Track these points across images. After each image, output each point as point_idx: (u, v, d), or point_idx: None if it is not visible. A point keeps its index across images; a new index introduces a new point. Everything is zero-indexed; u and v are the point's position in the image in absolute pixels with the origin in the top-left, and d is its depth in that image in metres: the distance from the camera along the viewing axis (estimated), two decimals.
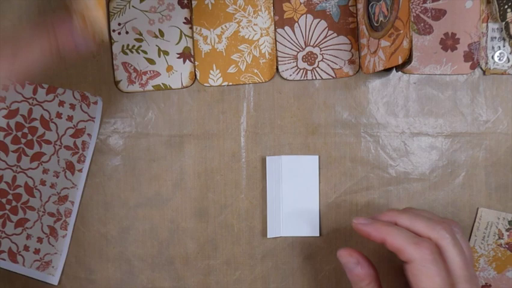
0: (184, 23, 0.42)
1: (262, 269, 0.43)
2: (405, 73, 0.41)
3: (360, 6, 0.40)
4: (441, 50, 0.41)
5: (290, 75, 0.42)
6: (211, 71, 0.42)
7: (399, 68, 0.38)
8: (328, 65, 0.42)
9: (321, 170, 0.42)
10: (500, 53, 0.41)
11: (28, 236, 0.42)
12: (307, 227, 0.41)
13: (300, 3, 0.41)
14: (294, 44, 0.42)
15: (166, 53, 0.42)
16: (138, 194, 0.43)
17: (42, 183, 0.42)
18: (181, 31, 0.42)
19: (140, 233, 0.43)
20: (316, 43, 0.42)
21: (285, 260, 0.42)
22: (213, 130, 0.42)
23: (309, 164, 0.41)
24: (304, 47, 0.42)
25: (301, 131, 0.42)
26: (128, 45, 0.42)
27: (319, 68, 0.42)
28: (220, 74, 0.42)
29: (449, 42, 0.40)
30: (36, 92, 0.42)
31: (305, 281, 0.42)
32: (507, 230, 0.41)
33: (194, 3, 0.41)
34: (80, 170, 0.42)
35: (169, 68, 0.42)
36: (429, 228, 0.33)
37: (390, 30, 0.34)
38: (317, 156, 0.41)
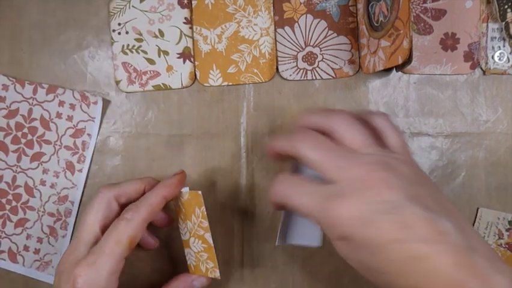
0: (184, 23, 0.42)
1: (262, 269, 0.43)
2: (405, 73, 0.41)
3: (360, 6, 0.40)
4: (441, 50, 0.41)
5: (290, 75, 0.42)
6: (211, 71, 0.42)
7: (399, 68, 0.38)
8: (328, 65, 0.42)
9: None
10: (500, 53, 0.41)
11: (28, 236, 0.42)
12: (311, 236, 0.37)
13: (300, 3, 0.41)
14: (294, 44, 0.42)
15: (166, 53, 0.42)
16: None
17: (42, 183, 0.42)
18: (181, 31, 0.42)
19: None
20: (316, 43, 0.42)
21: (285, 260, 0.42)
22: (212, 130, 0.42)
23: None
24: (304, 47, 0.42)
25: None
26: (128, 45, 0.42)
27: (319, 68, 0.42)
28: (220, 74, 0.42)
29: (449, 42, 0.40)
30: (36, 92, 0.42)
31: (305, 282, 0.42)
32: (507, 230, 0.41)
33: (194, 3, 0.41)
34: (80, 170, 0.42)
35: (169, 68, 0.42)
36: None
37: (390, 30, 0.34)
38: None
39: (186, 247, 0.38)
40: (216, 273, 0.36)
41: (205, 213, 0.35)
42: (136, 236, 0.33)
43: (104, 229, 0.34)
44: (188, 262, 0.39)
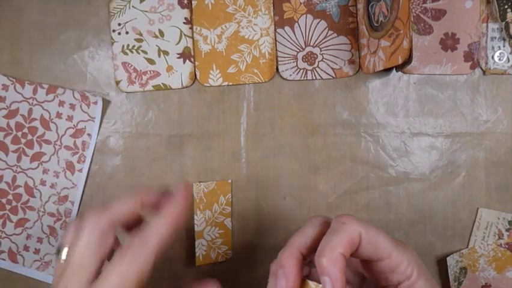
0: (184, 23, 0.42)
1: (261, 269, 0.43)
2: (405, 73, 0.41)
3: (360, 6, 0.40)
4: (441, 50, 0.41)
5: (290, 75, 0.42)
6: (211, 71, 0.42)
7: (399, 68, 0.38)
8: (328, 65, 0.42)
9: (321, 170, 0.42)
10: (500, 53, 0.41)
11: (28, 236, 0.42)
12: None
13: (300, 3, 0.41)
14: (294, 44, 0.42)
15: (166, 53, 0.42)
16: None
17: (42, 183, 0.42)
18: (181, 31, 0.42)
19: None
20: (316, 43, 0.42)
21: None
22: (213, 130, 0.42)
23: None
24: (304, 47, 0.42)
25: (301, 131, 0.42)
26: (128, 45, 0.42)
27: (319, 68, 0.42)
28: (220, 74, 0.42)
29: (449, 42, 0.40)
30: (36, 92, 0.42)
31: None
32: (507, 230, 0.41)
33: (194, 3, 0.41)
34: (80, 170, 0.42)
35: (169, 68, 0.42)
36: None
37: (390, 30, 0.34)
38: None
39: (198, 238, 0.40)
40: (229, 255, 0.41)
41: (230, 199, 0.40)
42: (145, 275, 0.27)
43: (103, 258, 0.28)
44: (197, 254, 0.40)
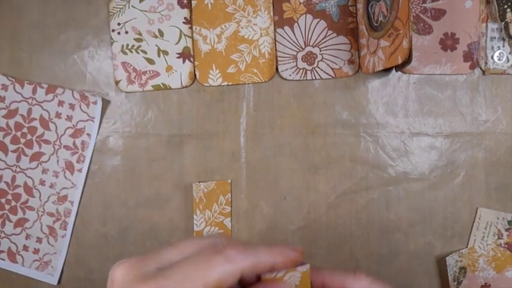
0: (183, 23, 0.42)
1: None
2: (405, 73, 0.41)
3: (360, 6, 0.40)
4: (440, 50, 0.41)
5: (290, 75, 0.42)
6: (210, 71, 0.42)
7: (399, 68, 0.38)
8: (328, 65, 0.42)
9: (320, 170, 0.42)
10: (499, 53, 0.41)
11: (27, 236, 0.42)
12: None
13: (300, 3, 0.41)
14: (294, 44, 0.42)
15: (165, 52, 0.42)
16: (138, 194, 0.43)
17: (42, 183, 0.42)
18: (180, 31, 0.42)
19: (139, 233, 0.43)
20: (316, 43, 0.42)
21: None
22: (212, 130, 0.42)
23: None
24: (304, 47, 0.42)
25: (301, 131, 0.42)
26: (127, 45, 0.42)
27: (319, 68, 0.42)
28: (219, 74, 0.42)
29: (448, 42, 0.40)
30: (35, 92, 0.42)
31: None
32: (506, 230, 0.41)
33: (194, 3, 0.41)
34: (80, 170, 0.42)
35: (169, 68, 0.42)
36: None
37: (390, 30, 0.34)
38: None
39: None
40: None
41: (230, 199, 0.40)
42: (225, 283, 0.23)
43: None
44: None
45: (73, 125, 0.42)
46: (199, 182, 0.42)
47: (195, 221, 0.40)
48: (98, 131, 0.42)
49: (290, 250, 0.26)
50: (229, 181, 0.41)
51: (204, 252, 0.23)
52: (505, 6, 0.40)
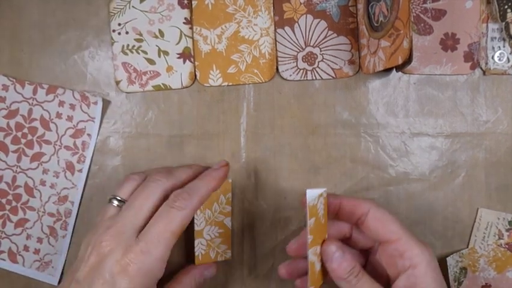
0: (184, 23, 0.42)
1: (261, 269, 0.43)
2: (405, 73, 0.41)
3: (360, 6, 0.40)
4: (441, 50, 0.41)
5: (290, 75, 0.42)
6: (211, 71, 0.42)
7: (399, 68, 0.38)
8: (328, 65, 0.42)
9: (321, 170, 0.42)
10: (500, 53, 0.41)
11: (28, 236, 0.42)
12: None
13: (300, 4, 0.41)
14: (294, 44, 0.42)
15: (166, 53, 0.42)
16: None
17: (42, 183, 0.42)
18: (181, 31, 0.42)
19: None
20: (316, 43, 0.42)
21: (284, 260, 0.42)
22: (212, 130, 0.42)
23: None
24: (304, 47, 0.42)
25: (301, 131, 0.42)
26: (128, 45, 0.42)
27: (319, 68, 0.42)
28: (220, 74, 0.42)
29: (449, 43, 0.40)
30: (36, 92, 0.42)
31: None
32: (507, 230, 0.41)
33: (194, 3, 0.41)
34: (80, 170, 0.42)
35: (169, 68, 0.42)
36: None
37: (390, 30, 0.34)
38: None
39: (198, 237, 0.40)
40: (228, 255, 0.41)
41: (230, 199, 0.40)
42: (185, 225, 0.33)
43: (152, 215, 0.33)
44: (196, 253, 0.40)
45: (74, 125, 0.42)
46: None
47: (195, 220, 0.40)
48: (99, 131, 0.42)
49: (216, 170, 0.36)
50: (230, 181, 0.41)
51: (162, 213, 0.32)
52: (506, 7, 0.40)
